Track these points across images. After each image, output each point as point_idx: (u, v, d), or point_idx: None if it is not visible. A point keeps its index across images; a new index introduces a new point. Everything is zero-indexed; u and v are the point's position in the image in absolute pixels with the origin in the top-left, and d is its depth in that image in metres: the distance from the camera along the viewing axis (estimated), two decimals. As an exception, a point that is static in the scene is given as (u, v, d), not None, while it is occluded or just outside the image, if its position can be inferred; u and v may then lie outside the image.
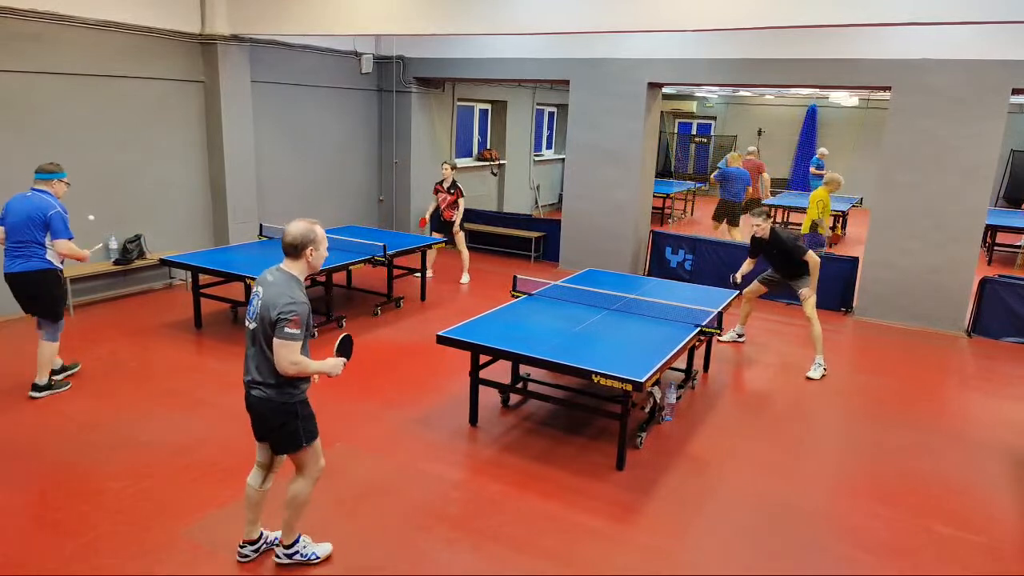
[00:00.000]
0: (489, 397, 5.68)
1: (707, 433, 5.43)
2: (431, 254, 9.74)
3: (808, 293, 6.70)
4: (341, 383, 6.05)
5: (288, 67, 9.93)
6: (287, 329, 3.18)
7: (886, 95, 9.08)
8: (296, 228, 3.33)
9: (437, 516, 4.16)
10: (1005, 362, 7.39)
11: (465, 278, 9.61)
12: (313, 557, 3.67)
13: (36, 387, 5.49)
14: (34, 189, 5.35)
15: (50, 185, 5.36)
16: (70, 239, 5.32)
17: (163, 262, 7.31)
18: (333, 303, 7.61)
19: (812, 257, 6.69)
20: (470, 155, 14.25)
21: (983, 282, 8.09)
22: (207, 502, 4.19)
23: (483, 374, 5.32)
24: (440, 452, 4.94)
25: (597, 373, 4.45)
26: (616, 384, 4.39)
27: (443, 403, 5.71)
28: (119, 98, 8.00)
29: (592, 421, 5.46)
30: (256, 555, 3.71)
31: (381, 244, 7.67)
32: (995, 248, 12.65)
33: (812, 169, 15.66)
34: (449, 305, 8.49)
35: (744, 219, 6.82)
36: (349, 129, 11.24)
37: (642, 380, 4.33)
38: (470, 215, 12.02)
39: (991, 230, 12.27)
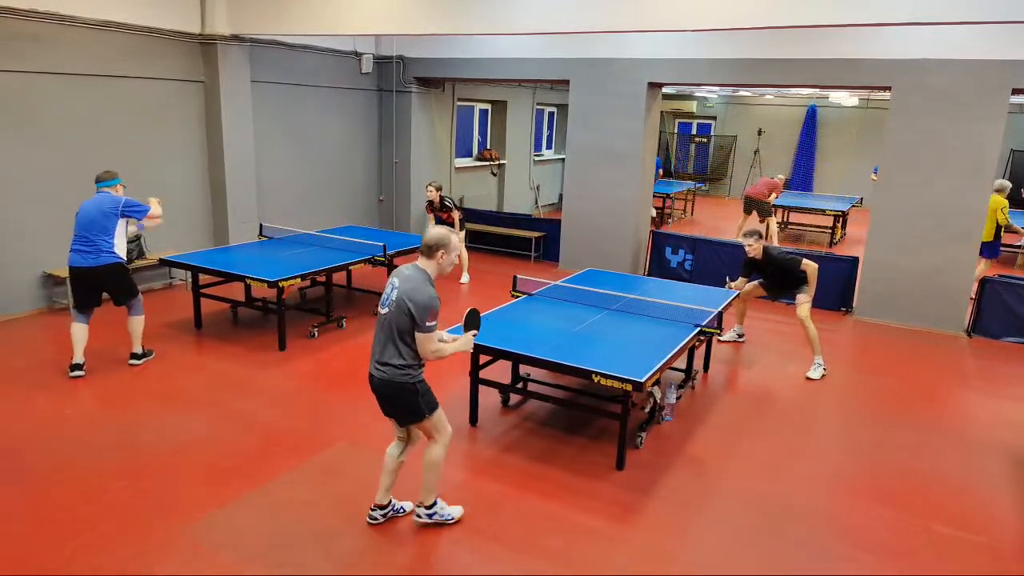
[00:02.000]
0: (489, 397, 5.68)
1: (707, 433, 5.43)
2: None
3: (805, 299, 6.71)
4: (342, 383, 6.06)
5: (288, 67, 9.93)
6: (427, 323, 3.58)
7: (886, 95, 9.08)
8: (435, 231, 3.74)
9: (437, 516, 4.16)
10: (1005, 362, 7.39)
11: (465, 278, 9.62)
12: (449, 518, 4.03)
13: (134, 356, 6.23)
14: (100, 193, 5.95)
15: (113, 190, 6.00)
16: (149, 208, 6.05)
17: (163, 262, 7.31)
18: (333, 303, 7.61)
19: (810, 265, 6.71)
20: (470, 155, 14.25)
21: (983, 282, 8.09)
22: (207, 502, 4.19)
23: (483, 374, 5.32)
24: (440, 452, 4.93)
25: (597, 373, 4.45)
26: (616, 384, 4.39)
27: (443, 403, 5.61)
28: (119, 98, 8.00)
29: (592, 421, 5.46)
30: (384, 520, 4.03)
31: (381, 244, 7.67)
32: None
33: (873, 176, 15.59)
34: (449, 305, 8.46)
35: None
36: (349, 129, 11.24)
37: (642, 380, 4.33)
38: (470, 215, 12.06)
39: (991, 230, 12.25)
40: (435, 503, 4.00)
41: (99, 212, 5.78)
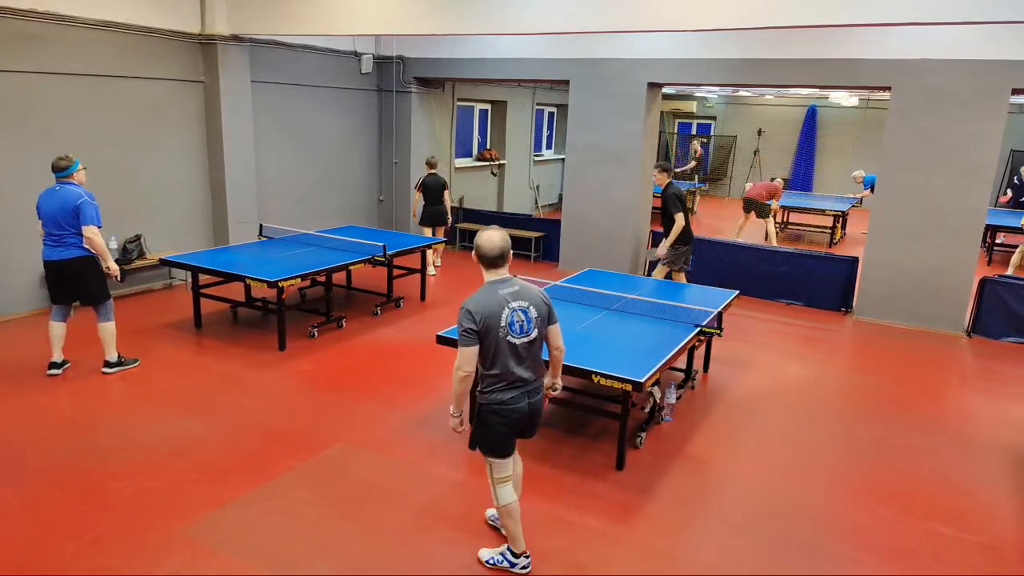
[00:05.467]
0: (489, 397, 5.67)
1: (707, 433, 5.43)
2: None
3: (661, 251, 7.40)
4: (342, 383, 6.06)
5: (288, 67, 9.93)
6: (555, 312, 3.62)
7: (886, 95, 9.08)
8: (500, 238, 3.43)
9: (437, 516, 4.15)
10: (1005, 362, 7.39)
11: (432, 270, 9.80)
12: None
13: (108, 364, 6.00)
14: (60, 183, 5.67)
15: (71, 178, 5.69)
16: (98, 227, 5.69)
17: (163, 262, 7.31)
18: (333, 303, 7.61)
19: (679, 220, 7.43)
20: (470, 155, 14.25)
21: (983, 282, 8.09)
22: (207, 502, 4.19)
23: (483, 374, 5.31)
24: (440, 452, 4.93)
25: (597, 373, 4.45)
26: (616, 384, 4.39)
27: (443, 403, 5.70)
28: (119, 98, 8.00)
29: (592, 421, 5.46)
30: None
31: (381, 244, 7.67)
32: (995, 248, 12.66)
33: (866, 192, 15.57)
34: (449, 305, 8.49)
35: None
36: (349, 129, 11.24)
37: (642, 380, 4.33)
38: (471, 215, 12.09)
39: (991, 230, 12.28)
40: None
41: (62, 210, 5.55)
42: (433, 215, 9.76)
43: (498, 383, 3.46)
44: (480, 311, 3.34)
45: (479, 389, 3.53)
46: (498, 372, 3.44)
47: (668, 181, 7.58)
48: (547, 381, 3.78)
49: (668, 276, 7.81)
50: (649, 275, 7.80)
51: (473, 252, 3.49)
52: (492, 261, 3.42)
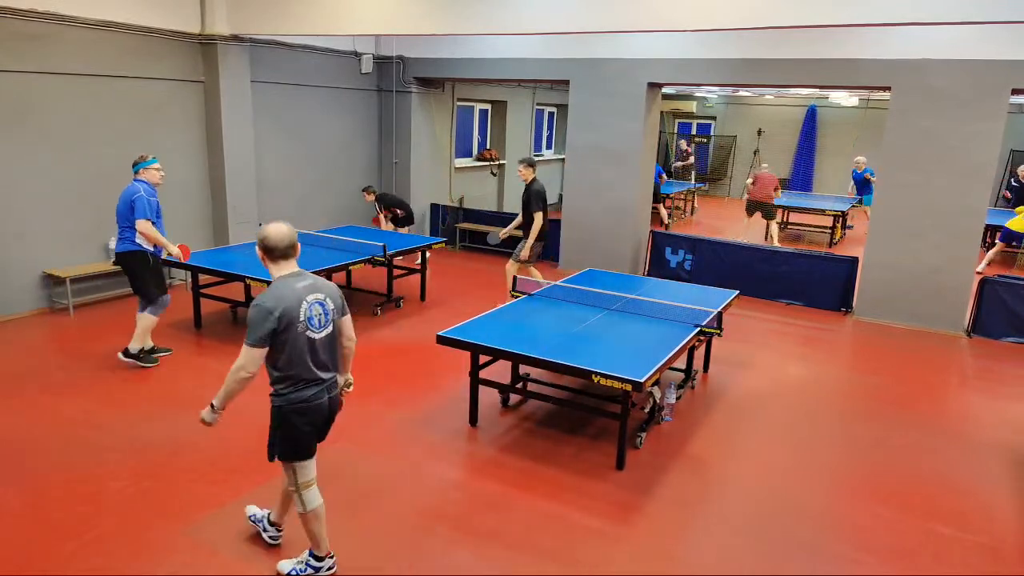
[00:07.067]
0: (489, 397, 5.67)
1: (707, 433, 5.43)
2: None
3: (523, 252, 7.40)
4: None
5: (288, 67, 9.93)
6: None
7: (886, 95, 9.09)
8: (288, 229, 3.32)
9: (437, 516, 4.16)
10: (1005, 362, 7.39)
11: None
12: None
13: (126, 352, 6.19)
14: (134, 179, 6.02)
15: (141, 174, 6.00)
16: (152, 221, 5.92)
17: (163, 262, 7.28)
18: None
19: (539, 219, 7.44)
20: (470, 155, 14.25)
21: (983, 282, 8.09)
22: (207, 502, 4.19)
23: (483, 374, 5.32)
24: (440, 452, 4.94)
25: (597, 373, 4.45)
26: (616, 384, 4.39)
27: (443, 403, 5.70)
28: (119, 98, 7.99)
29: (592, 421, 5.46)
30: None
31: (381, 244, 7.67)
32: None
33: (869, 176, 15.55)
34: (449, 305, 8.49)
35: None
36: (349, 129, 11.24)
37: (642, 380, 4.33)
38: (471, 215, 12.09)
39: (991, 230, 12.27)
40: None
41: (123, 204, 5.92)
42: (410, 215, 10.54)
43: (298, 382, 3.33)
44: (279, 307, 3.18)
45: (276, 390, 3.34)
46: (296, 371, 3.30)
47: (532, 177, 7.63)
48: (340, 380, 3.61)
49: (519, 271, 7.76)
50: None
51: (257, 246, 3.31)
52: (283, 253, 3.28)
